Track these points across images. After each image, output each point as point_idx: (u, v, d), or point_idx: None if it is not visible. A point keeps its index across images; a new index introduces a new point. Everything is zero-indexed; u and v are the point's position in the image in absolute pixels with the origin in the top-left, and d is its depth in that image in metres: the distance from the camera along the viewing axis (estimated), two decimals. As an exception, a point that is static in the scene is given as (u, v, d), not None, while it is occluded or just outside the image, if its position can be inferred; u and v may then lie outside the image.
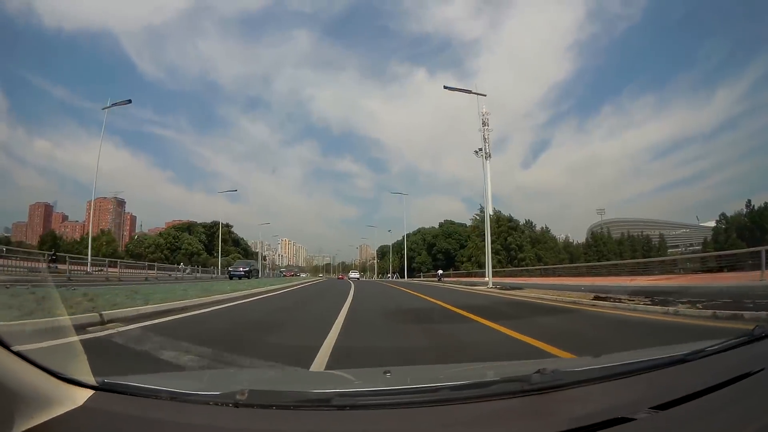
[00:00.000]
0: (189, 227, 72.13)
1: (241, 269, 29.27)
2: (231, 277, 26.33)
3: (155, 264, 32.60)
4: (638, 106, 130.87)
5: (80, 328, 3.77)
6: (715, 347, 1.33)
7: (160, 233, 71.32)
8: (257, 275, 31.94)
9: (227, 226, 75.22)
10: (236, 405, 0.93)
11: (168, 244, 65.54)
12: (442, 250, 65.70)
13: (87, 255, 22.02)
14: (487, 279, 19.20)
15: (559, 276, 29.33)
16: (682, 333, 4.59)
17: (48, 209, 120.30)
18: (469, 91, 21.08)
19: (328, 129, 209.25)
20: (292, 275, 61.60)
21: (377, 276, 74.03)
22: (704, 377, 1.10)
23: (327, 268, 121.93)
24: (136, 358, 2.98)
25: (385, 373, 1.32)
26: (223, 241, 68.37)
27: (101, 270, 22.40)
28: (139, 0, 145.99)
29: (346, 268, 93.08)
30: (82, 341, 3.13)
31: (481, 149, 21.45)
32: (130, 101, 24.20)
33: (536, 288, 13.82)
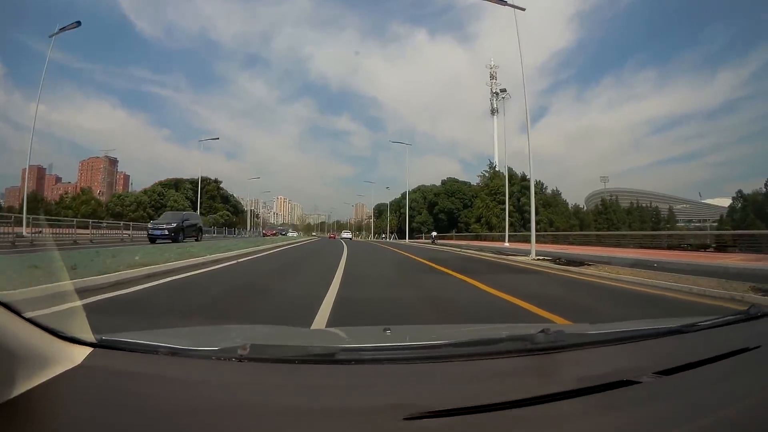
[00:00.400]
0: (176, 183, 66.13)
1: (164, 226, 18.11)
2: (152, 240, 17.40)
3: (131, 224, 27.04)
4: (639, 79, 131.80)
5: None
6: (709, 322, 1.35)
7: (144, 190, 65.18)
8: (199, 234, 20.69)
9: (215, 181, 70.26)
10: (239, 359, 0.92)
11: (152, 202, 59.24)
12: (444, 209, 60.73)
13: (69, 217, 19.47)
14: (508, 244, 17.85)
15: (572, 244, 27.57)
16: None
17: (41, 172, 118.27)
18: (505, 3, 16.14)
19: (327, 87, 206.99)
20: (274, 234, 53.43)
21: (373, 236, 69.09)
22: (703, 348, 1.13)
23: (321, 227, 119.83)
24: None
25: (384, 330, 1.33)
26: (211, 197, 64.46)
27: (69, 232, 19.46)
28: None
29: (341, 226, 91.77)
30: None
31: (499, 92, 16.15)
32: (79, 23, 21.04)
33: (599, 262, 9.78)
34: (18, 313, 0.83)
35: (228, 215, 65.32)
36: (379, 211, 71.20)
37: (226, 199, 72.51)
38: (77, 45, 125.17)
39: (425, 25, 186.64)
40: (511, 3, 16.09)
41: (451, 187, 63.44)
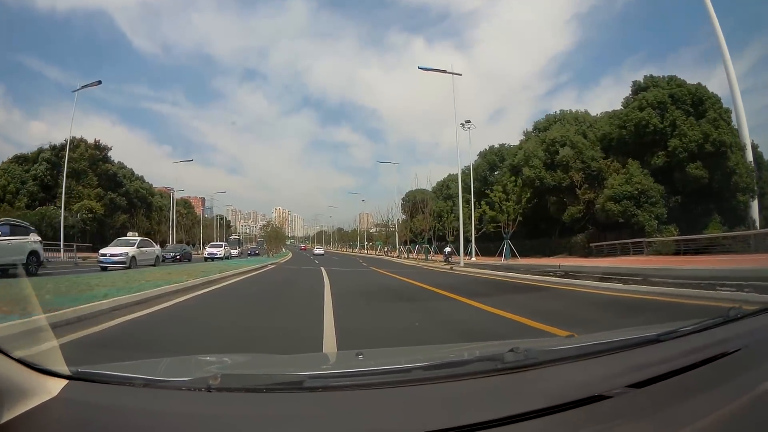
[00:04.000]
0: (23, 160, 43.62)
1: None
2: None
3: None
4: (639, 77, 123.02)
5: None
6: (689, 328, 1.39)
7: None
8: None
9: (97, 147, 44.51)
10: (209, 390, 0.96)
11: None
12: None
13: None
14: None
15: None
16: None
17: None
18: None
19: (326, 99, 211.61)
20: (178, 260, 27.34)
21: (383, 251, 54.33)
22: (680, 356, 1.15)
23: (319, 238, 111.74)
24: None
25: (357, 355, 1.37)
26: (76, 173, 39.84)
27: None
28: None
29: (343, 236, 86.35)
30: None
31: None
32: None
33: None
34: None
35: (105, 208, 41.58)
36: (413, 202, 45.62)
37: (116, 181, 45.75)
38: (75, 62, 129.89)
39: (422, 33, 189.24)
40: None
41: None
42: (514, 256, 27.96)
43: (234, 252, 39.57)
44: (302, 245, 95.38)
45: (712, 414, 0.87)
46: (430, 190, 46.19)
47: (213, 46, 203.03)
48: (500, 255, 28.92)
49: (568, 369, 1.12)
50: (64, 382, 0.96)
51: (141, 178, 52.72)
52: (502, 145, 44.41)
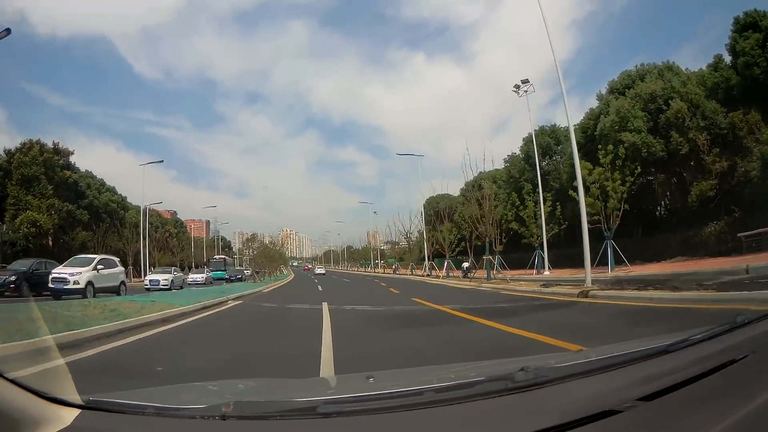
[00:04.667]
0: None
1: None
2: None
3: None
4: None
5: None
6: (698, 336, 1.38)
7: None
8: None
9: (56, 151, 38.21)
10: (223, 417, 0.96)
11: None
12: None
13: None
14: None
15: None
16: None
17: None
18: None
19: (330, 119, 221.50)
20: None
21: (399, 269, 45.42)
22: (689, 366, 1.16)
23: (327, 257, 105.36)
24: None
25: (368, 378, 1.39)
26: (26, 180, 33.81)
27: None
28: (131, 2, 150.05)
29: (352, 254, 75.92)
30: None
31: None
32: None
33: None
34: (1, 374, 0.86)
35: (61, 221, 36.05)
36: (434, 209, 37.44)
37: (77, 191, 39.20)
38: (75, 88, 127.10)
39: (422, 47, 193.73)
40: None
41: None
42: (620, 263, 18.35)
43: (199, 278, 30.39)
44: (306, 266, 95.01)
45: (722, 422, 0.87)
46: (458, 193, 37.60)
47: (215, 70, 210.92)
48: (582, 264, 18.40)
49: (579, 385, 1.13)
50: (77, 411, 0.97)
51: (112, 190, 45.64)
52: (554, 126, 34.01)
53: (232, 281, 30.99)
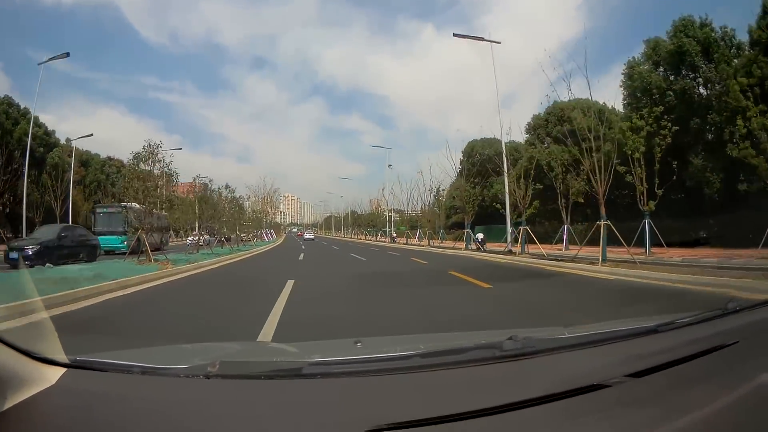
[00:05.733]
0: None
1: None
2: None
3: None
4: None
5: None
6: (687, 320, 1.39)
7: None
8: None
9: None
10: (207, 377, 0.97)
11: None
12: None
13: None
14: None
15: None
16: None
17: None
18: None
19: (336, 87, 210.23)
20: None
21: (430, 238, 29.71)
22: (678, 347, 1.16)
23: (328, 224, 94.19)
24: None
25: (356, 343, 1.35)
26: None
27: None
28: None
29: (356, 219, 63.87)
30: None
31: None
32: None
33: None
34: None
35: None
36: (480, 157, 28.52)
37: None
38: (82, 53, 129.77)
39: (432, 20, 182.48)
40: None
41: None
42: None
43: None
44: (298, 231, 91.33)
45: (710, 404, 0.88)
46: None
47: (222, 35, 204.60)
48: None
49: (567, 358, 1.13)
50: (63, 370, 0.96)
51: (36, 121, 30.22)
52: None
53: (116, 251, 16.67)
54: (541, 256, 13.94)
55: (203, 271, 11.36)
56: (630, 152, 13.25)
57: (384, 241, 40.81)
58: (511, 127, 36.31)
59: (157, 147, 12.41)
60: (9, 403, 0.80)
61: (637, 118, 14.50)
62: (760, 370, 0.99)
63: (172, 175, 14.08)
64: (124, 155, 40.35)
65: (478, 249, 20.48)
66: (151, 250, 11.77)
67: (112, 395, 0.91)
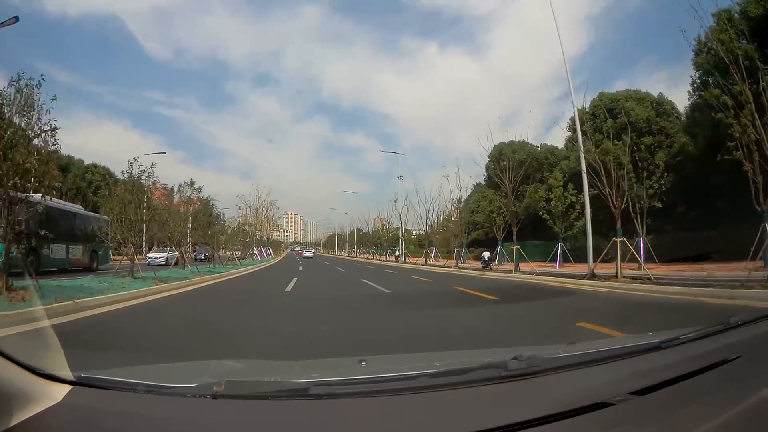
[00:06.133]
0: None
1: None
2: None
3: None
4: (653, 81, 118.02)
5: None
6: (690, 335, 1.39)
7: None
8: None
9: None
10: (214, 396, 0.96)
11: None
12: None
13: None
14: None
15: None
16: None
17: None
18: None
19: (339, 104, 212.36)
20: None
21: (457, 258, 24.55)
22: (681, 363, 1.16)
23: (331, 242, 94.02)
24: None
25: (360, 362, 1.36)
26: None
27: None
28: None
29: (362, 237, 58.46)
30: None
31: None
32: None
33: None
34: None
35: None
36: (510, 162, 18.86)
37: None
38: (86, 66, 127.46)
39: (435, 38, 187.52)
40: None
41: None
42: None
43: None
44: (298, 249, 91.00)
45: (713, 420, 0.87)
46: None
47: (226, 51, 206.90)
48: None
49: (572, 376, 1.13)
50: (68, 387, 0.96)
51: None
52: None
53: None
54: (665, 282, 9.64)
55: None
56: (738, 134, 8.97)
57: (393, 261, 35.42)
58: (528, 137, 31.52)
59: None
60: (14, 420, 0.79)
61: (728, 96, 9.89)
62: (762, 384, 0.98)
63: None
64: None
65: (485, 268, 19.06)
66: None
67: (118, 413, 0.90)
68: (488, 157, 23.56)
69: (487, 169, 27.72)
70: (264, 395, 0.98)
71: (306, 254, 61.57)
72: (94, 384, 0.99)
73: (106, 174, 37.31)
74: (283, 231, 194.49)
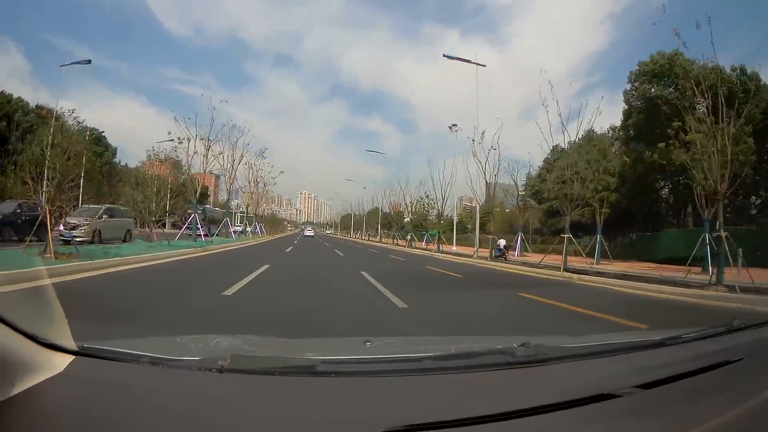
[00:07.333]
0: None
1: None
2: None
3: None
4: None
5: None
6: (693, 334, 1.41)
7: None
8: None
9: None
10: (219, 370, 0.96)
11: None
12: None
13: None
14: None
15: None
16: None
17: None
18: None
19: (358, 88, 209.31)
20: None
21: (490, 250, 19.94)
22: (685, 362, 1.18)
23: (345, 222, 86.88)
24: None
25: (365, 342, 1.40)
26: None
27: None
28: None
29: (384, 217, 50.34)
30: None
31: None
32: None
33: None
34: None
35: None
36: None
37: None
38: (103, 42, 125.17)
39: (456, 26, 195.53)
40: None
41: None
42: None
43: None
44: (304, 229, 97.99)
45: (715, 418, 0.88)
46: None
47: (247, 30, 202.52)
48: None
49: (578, 366, 1.14)
50: (71, 357, 0.95)
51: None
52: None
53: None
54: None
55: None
56: None
57: (424, 249, 27.92)
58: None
59: None
60: (16, 390, 0.78)
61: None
62: (764, 387, 0.99)
63: None
64: (142, 147, 38.97)
65: (500, 256, 18.09)
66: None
67: (120, 385, 0.89)
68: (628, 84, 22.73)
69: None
70: (270, 371, 0.98)
71: (307, 233, 63.67)
72: (97, 354, 0.98)
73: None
74: (296, 210, 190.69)
